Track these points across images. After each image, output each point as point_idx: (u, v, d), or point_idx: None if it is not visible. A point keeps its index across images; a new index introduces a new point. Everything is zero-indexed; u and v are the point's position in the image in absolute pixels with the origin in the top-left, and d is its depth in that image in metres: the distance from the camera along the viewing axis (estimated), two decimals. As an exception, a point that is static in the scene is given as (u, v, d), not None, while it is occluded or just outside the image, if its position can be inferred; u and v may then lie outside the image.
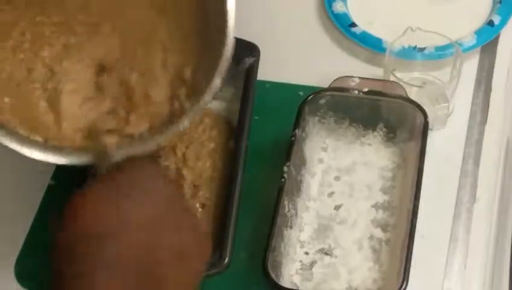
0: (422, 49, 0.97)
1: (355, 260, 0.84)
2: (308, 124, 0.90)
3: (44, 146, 0.73)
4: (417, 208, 0.81)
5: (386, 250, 0.84)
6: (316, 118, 0.91)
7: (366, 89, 0.89)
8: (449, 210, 0.88)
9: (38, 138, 0.73)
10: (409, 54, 0.96)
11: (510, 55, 1.01)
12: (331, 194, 0.89)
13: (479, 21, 1.03)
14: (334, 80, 0.91)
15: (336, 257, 0.85)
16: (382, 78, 0.94)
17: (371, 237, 0.86)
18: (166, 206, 0.64)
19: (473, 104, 0.97)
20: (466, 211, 0.88)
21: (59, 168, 0.94)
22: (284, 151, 0.86)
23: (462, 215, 0.88)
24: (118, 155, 0.70)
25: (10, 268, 0.88)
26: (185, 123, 0.72)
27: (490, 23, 1.01)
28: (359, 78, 0.91)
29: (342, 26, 1.04)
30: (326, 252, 0.85)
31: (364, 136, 0.92)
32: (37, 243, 0.89)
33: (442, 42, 0.95)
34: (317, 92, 0.90)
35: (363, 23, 1.04)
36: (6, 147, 0.72)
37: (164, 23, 0.76)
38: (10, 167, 0.96)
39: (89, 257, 0.60)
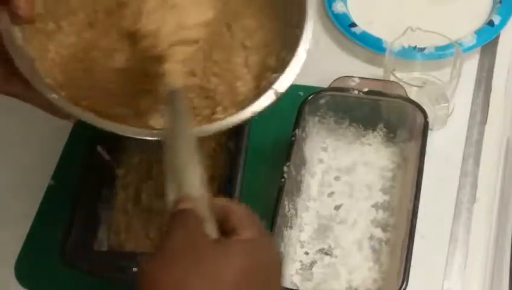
0: (422, 49, 0.97)
1: (355, 260, 0.84)
2: (308, 124, 0.90)
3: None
4: (417, 208, 0.81)
5: (386, 250, 0.84)
6: (316, 118, 0.91)
7: (366, 89, 0.89)
8: (449, 210, 0.88)
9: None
10: (409, 54, 0.96)
11: (510, 55, 1.01)
12: (331, 194, 0.89)
13: (479, 21, 1.03)
14: (334, 80, 0.91)
15: (336, 257, 0.85)
16: (382, 78, 0.94)
17: (371, 237, 0.86)
18: (269, 277, 0.59)
19: (473, 104, 0.97)
20: (466, 211, 0.88)
21: (59, 168, 0.94)
22: (284, 151, 0.86)
23: (462, 215, 0.88)
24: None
25: (10, 268, 0.88)
26: (275, 92, 0.74)
27: (490, 23, 1.01)
28: (359, 78, 0.91)
29: (342, 26, 1.04)
30: (326, 252, 0.85)
31: (364, 136, 0.92)
32: (37, 243, 0.89)
33: (442, 42, 0.95)
34: (317, 92, 0.90)
35: (363, 23, 1.04)
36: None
37: (240, 22, 0.79)
38: (10, 167, 0.96)
39: None
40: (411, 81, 0.92)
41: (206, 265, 0.56)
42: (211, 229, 0.59)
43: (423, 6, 1.06)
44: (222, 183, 0.88)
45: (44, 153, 0.96)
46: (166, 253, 0.57)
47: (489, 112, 0.96)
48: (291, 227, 0.85)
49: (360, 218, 0.87)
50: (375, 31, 1.02)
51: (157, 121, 0.75)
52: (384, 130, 0.91)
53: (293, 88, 0.98)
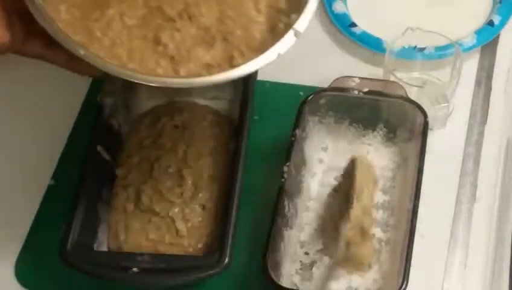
0: (422, 49, 0.97)
1: (355, 260, 0.84)
2: (308, 124, 0.90)
3: None
4: (417, 208, 0.81)
5: (386, 250, 0.84)
6: (316, 118, 0.91)
7: (366, 89, 0.89)
8: (449, 210, 0.88)
9: None
10: (409, 54, 0.96)
11: (510, 55, 1.01)
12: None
13: (479, 21, 1.03)
14: (334, 80, 0.91)
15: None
16: (382, 78, 0.94)
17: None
18: None
19: (473, 104, 0.97)
20: (466, 211, 0.88)
21: (59, 168, 0.94)
22: (284, 151, 0.86)
23: (462, 215, 0.88)
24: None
25: (10, 268, 0.88)
26: (298, 30, 0.75)
27: (490, 23, 1.01)
28: (359, 78, 0.91)
29: (342, 26, 1.04)
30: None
31: (364, 136, 0.92)
32: (37, 243, 0.89)
33: (442, 42, 0.95)
34: (317, 92, 0.90)
35: (363, 23, 1.04)
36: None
37: None
38: (10, 167, 0.96)
39: None
40: (411, 81, 0.92)
41: None
42: None
43: (423, 6, 1.06)
44: (222, 183, 0.88)
45: (44, 153, 0.96)
46: None
47: (489, 112, 0.96)
48: (291, 227, 0.85)
49: (360, 218, 0.87)
50: (375, 31, 1.02)
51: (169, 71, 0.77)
52: (384, 130, 0.91)
53: (293, 88, 0.98)
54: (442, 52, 0.96)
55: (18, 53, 0.74)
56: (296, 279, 0.83)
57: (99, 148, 0.88)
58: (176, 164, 0.89)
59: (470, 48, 0.99)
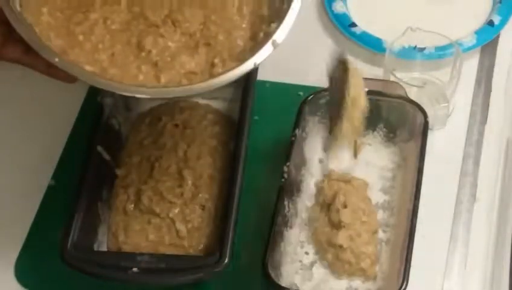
0: (422, 49, 0.97)
1: (355, 260, 0.84)
2: (308, 124, 0.90)
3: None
4: (417, 208, 0.81)
5: (386, 250, 0.84)
6: (316, 118, 0.91)
7: (366, 89, 0.89)
8: (449, 210, 0.88)
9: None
10: (409, 54, 0.96)
11: (510, 55, 1.01)
12: (331, 194, 0.89)
13: (479, 21, 1.03)
14: (334, 80, 0.91)
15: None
16: (382, 78, 0.94)
17: (371, 237, 0.86)
18: None
19: (473, 104, 0.97)
20: (466, 211, 0.88)
21: (59, 168, 0.94)
22: (284, 151, 0.86)
23: (462, 215, 0.88)
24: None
25: (10, 268, 0.88)
26: (276, 41, 0.75)
27: (490, 23, 1.01)
28: (359, 78, 0.91)
29: (342, 26, 1.04)
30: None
31: (364, 136, 0.92)
32: (37, 243, 0.89)
33: (442, 42, 0.95)
34: (317, 92, 0.90)
35: (363, 23, 1.04)
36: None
37: None
38: (10, 167, 0.96)
39: None
40: (411, 81, 0.92)
41: None
42: None
43: (423, 6, 1.06)
44: (222, 183, 0.88)
45: (44, 153, 0.96)
46: None
47: (489, 112, 0.96)
48: (291, 227, 0.85)
49: (360, 218, 0.87)
50: (375, 31, 1.02)
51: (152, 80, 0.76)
52: (384, 130, 0.91)
53: (293, 88, 0.98)
54: (442, 52, 0.96)
55: None
56: (296, 279, 0.83)
57: (99, 148, 0.88)
58: (176, 164, 0.89)
59: (470, 48, 0.99)
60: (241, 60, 0.76)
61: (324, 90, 0.90)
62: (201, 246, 0.85)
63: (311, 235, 0.86)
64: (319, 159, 0.92)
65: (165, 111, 0.95)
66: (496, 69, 1.00)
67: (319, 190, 0.88)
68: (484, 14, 1.04)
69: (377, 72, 0.97)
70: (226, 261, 0.78)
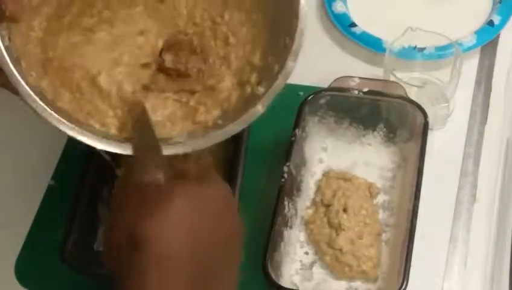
0: (422, 49, 0.97)
1: (355, 260, 0.84)
2: (308, 124, 0.90)
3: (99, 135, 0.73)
4: (417, 208, 0.81)
5: (386, 250, 0.84)
6: (316, 118, 0.91)
7: (366, 89, 0.89)
8: (449, 210, 0.88)
9: (95, 124, 0.74)
10: (409, 54, 0.96)
11: (510, 55, 1.01)
12: (331, 194, 0.89)
13: (479, 21, 1.03)
14: (334, 80, 0.91)
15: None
16: (382, 78, 0.94)
17: (371, 237, 0.85)
18: (218, 209, 0.64)
19: (473, 104, 0.97)
20: (466, 211, 0.88)
21: (59, 168, 0.94)
22: (284, 151, 0.86)
23: (462, 216, 0.88)
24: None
25: (10, 268, 0.88)
26: (259, 108, 0.72)
27: (490, 23, 1.01)
28: (359, 78, 0.91)
29: (342, 26, 1.04)
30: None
31: (364, 136, 0.92)
32: (37, 243, 0.89)
33: (442, 42, 0.95)
34: (317, 92, 0.90)
35: (363, 23, 1.04)
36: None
37: (227, 13, 0.78)
38: (10, 167, 0.96)
39: (138, 256, 0.60)
40: (411, 81, 0.92)
41: (153, 202, 0.61)
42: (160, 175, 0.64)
43: (423, 6, 1.06)
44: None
45: (44, 153, 0.96)
46: (119, 202, 0.64)
47: (489, 112, 0.96)
48: (291, 227, 0.85)
49: (360, 218, 0.87)
50: (375, 31, 1.02)
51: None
52: (384, 130, 0.91)
53: (293, 88, 0.98)
54: (442, 52, 0.96)
55: None
56: (296, 279, 0.83)
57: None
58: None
59: (470, 48, 0.99)
60: (224, 109, 0.74)
61: (324, 90, 0.90)
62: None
63: (308, 236, 0.86)
64: (319, 159, 0.92)
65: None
66: (496, 69, 1.00)
67: (317, 189, 0.89)
68: (484, 14, 1.04)
69: (377, 72, 0.97)
70: (226, 261, 0.78)
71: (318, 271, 0.84)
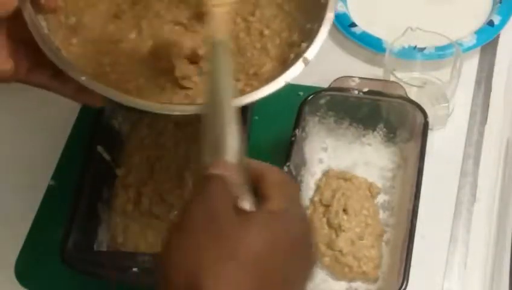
0: (422, 49, 0.97)
1: (355, 260, 0.84)
2: (308, 124, 0.90)
3: None
4: (417, 208, 0.81)
5: (386, 250, 0.84)
6: (316, 118, 0.91)
7: (366, 89, 0.89)
8: (449, 210, 0.88)
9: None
10: (409, 54, 0.96)
11: (510, 55, 1.01)
12: (331, 194, 0.89)
13: (479, 21, 1.03)
14: (334, 80, 0.91)
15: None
16: (382, 78, 0.94)
17: (371, 237, 0.85)
18: (295, 249, 0.56)
19: (473, 104, 0.97)
20: (466, 211, 0.88)
21: (59, 168, 0.94)
22: (284, 151, 0.86)
23: (462, 216, 0.88)
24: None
25: (10, 268, 0.88)
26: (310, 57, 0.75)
27: (490, 23, 1.01)
28: (359, 78, 0.91)
29: (342, 26, 1.04)
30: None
31: (364, 136, 0.92)
32: (37, 243, 0.89)
33: (442, 42, 0.95)
34: (317, 92, 0.90)
35: (363, 23, 1.04)
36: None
37: (258, 11, 0.81)
38: (10, 167, 0.96)
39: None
40: (411, 81, 0.92)
41: (223, 241, 0.52)
42: (244, 199, 0.56)
43: (423, 6, 1.06)
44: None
45: (44, 153, 0.96)
46: (183, 225, 0.54)
47: (489, 112, 0.96)
48: (291, 227, 0.85)
49: (360, 218, 0.87)
50: (375, 31, 1.02)
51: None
52: (384, 130, 0.91)
53: (293, 88, 0.98)
54: (442, 52, 0.96)
55: (23, 82, 0.74)
56: (296, 279, 0.83)
57: (99, 148, 0.87)
58: (177, 164, 0.89)
59: (470, 48, 0.99)
60: (271, 79, 0.75)
61: (324, 90, 0.90)
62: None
63: None
64: (319, 159, 0.92)
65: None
66: (496, 69, 1.00)
67: (317, 188, 0.88)
68: (484, 14, 1.04)
69: (377, 72, 0.97)
70: (226, 261, 0.78)
71: (318, 271, 0.84)
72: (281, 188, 0.57)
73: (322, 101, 0.90)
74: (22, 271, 0.88)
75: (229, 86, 0.62)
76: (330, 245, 0.83)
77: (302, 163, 0.89)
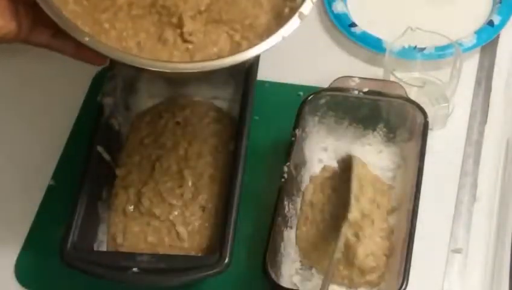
0: (422, 49, 0.97)
1: (355, 260, 0.84)
2: (308, 124, 0.90)
3: None
4: (417, 208, 0.81)
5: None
6: (316, 118, 0.91)
7: (366, 89, 0.89)
8: (449, 210, 0.88)
9: None
10: (409, 54, 0.96)
11: (510, 55, 1.01)
12: (331, 194, 0.89)
13: (479, 21, 1.03)
14: (334, 80, 0.91)
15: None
16: (382, 78, 0.94)
17: (371, 237, 0.85)
18: None
19: (473, 104, 0.97)
20: (466, 211, 0.88)
21: (59, 168, 0.94)
22: (284, 151, 0.86)
23: (462, 216, 0.88)
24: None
25: (10, 268, 0.88)
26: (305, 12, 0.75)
27: (490, 23, 1.01)
28: (359, 78, 0.91)
29: (342, 26, 1.04)
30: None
31: (364, 136, 0.92)
32: (37, 243, 0.89)
33: (442, 42, 0.95)
34: (317, 92, 0.90)
35: (363, 23, 1.04)
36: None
37: None
38: (10, 167, 0.96)
39: None
40: (411, 81, 0.92)
41: None
42: None
43: (423, 6, 1.06)
44: (222, 183, 0.88)
45: (44, 153, 0.96)
46: None
47: (489, 112, 0.96)
48: (291, 227, 0.85)
49: (360, 218, 0.87)
50: (375, 31, 1.02)
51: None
52: (384, 130, 0.91)
53: (293, 88, 0.98)
54: (442, 52, 0.96)
55: (25, 42, 0.75)
56: (296, 279, 0.83)
57: (99, 148, 0.87)
58: (177, 163, 0.89)
59: (470, 48, 0.99)
60: (267, 35, 0.75)
61: (324, 90, 0.90)
62: (201, 247, 0.85)
63: (295, 239, 0.85)
64: (319, 159, 0.92)
65: (167, 108, 0.95)
66: (496, 69, 1.00)
67: (313, 191, 0.88)
68: (484, 14, 1.04)
69: (377, 72, 0.97)
70: (226, 261, 0.78)
71: (318, 271, 0.84)
72: None
73: (322, 101, 0.90)
74: (22, 271, 0.88)
75: None
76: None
77: (302, 163, 0.89)
